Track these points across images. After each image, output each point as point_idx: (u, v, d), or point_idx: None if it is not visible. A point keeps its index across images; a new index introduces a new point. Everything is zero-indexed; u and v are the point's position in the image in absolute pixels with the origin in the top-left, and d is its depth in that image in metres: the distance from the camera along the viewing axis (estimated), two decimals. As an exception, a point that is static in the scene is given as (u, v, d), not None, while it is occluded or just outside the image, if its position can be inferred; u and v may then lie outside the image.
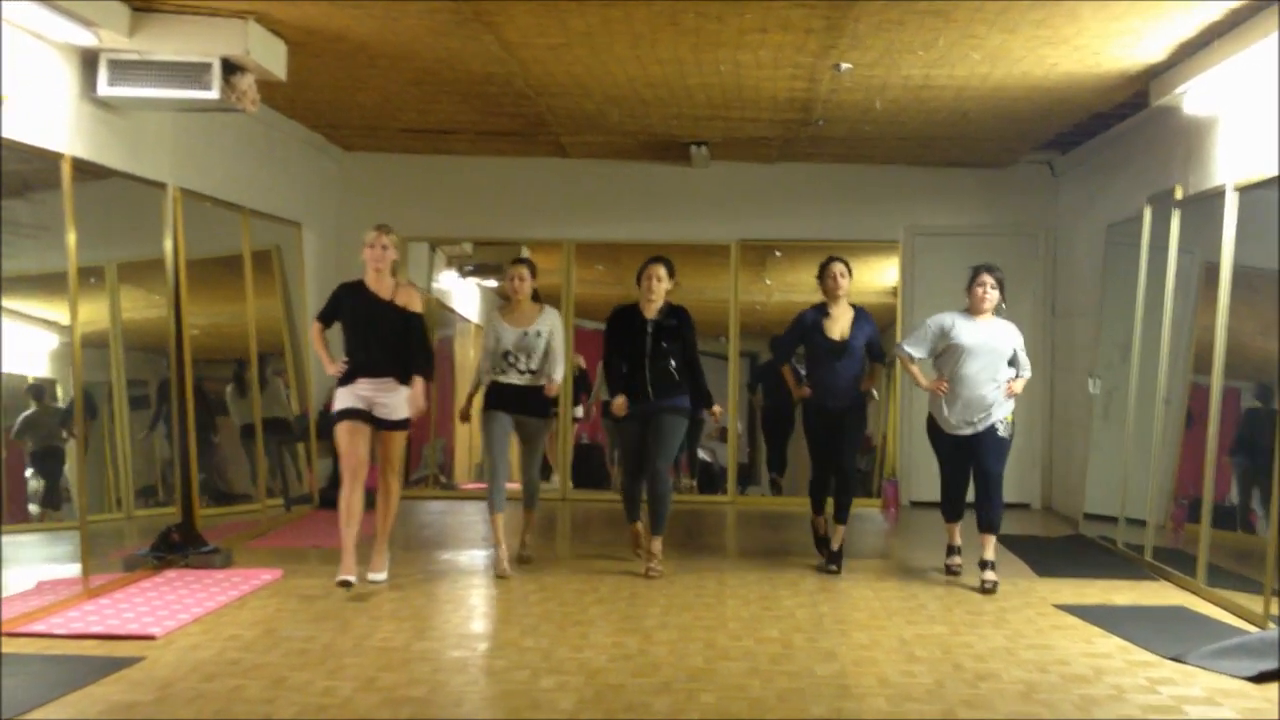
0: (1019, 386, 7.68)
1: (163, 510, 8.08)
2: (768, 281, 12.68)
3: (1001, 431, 7.60)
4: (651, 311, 7.83)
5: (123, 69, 7.14)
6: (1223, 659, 5.66)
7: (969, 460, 7.69)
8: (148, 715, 4.68)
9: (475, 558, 8.41)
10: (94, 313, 7.48)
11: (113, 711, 4.70)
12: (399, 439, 7.29)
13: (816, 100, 9.17)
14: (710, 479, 12.17)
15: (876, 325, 8.27)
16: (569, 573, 7.86)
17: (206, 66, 7.17)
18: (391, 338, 7.13)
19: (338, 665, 5.47)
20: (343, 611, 6.58)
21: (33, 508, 7.17)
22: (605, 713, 4.80)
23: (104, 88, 7.13)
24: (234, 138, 9.23)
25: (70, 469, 7.24)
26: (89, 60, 7.11)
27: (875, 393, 8.25)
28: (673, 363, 7.75)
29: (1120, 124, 9.73)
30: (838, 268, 8.07)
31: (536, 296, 8.01)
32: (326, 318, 7.35)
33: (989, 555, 7.57)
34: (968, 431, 7.60)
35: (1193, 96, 7.74)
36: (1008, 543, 9.33)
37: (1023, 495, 11.88)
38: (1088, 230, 10.78)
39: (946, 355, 7.63)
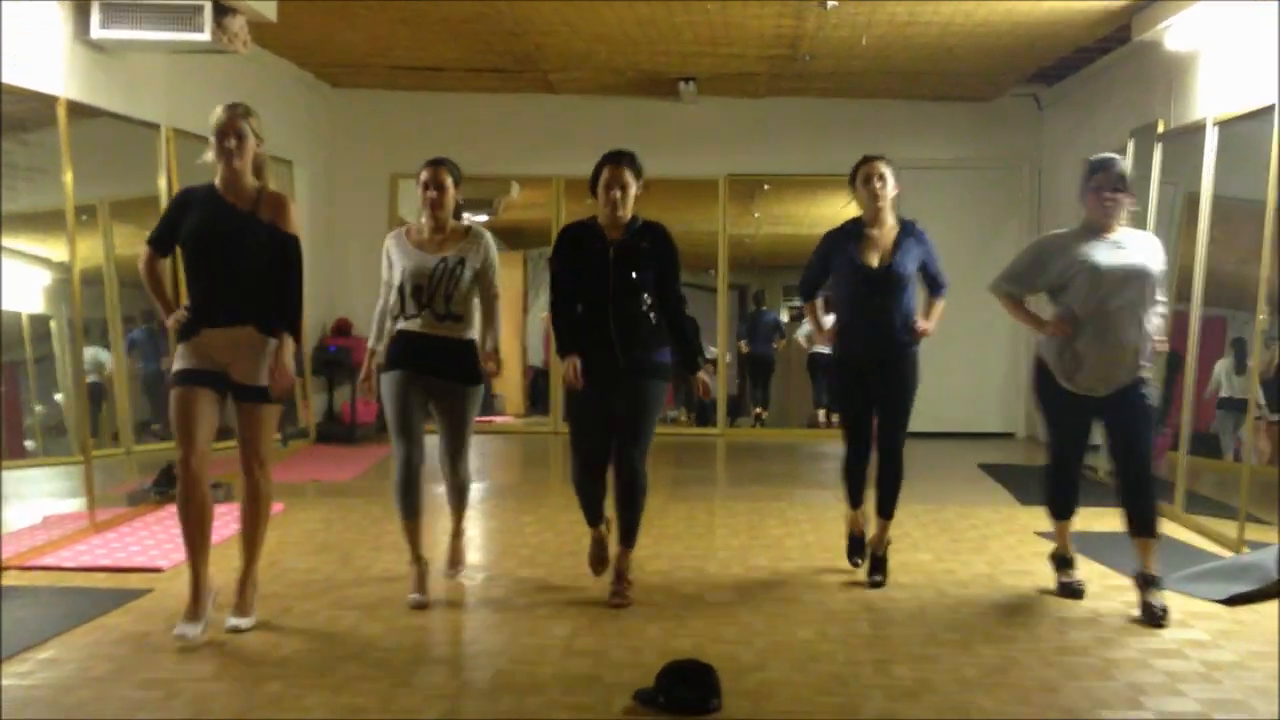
0: (1164, 342, 5.68)
1: (162, 446, 8.23)
2: (756, 215, 12.80)
3: (1148, 393, 5.50)
4: (617, 230, 5.55)
5: (115, 11, 7.19)
6: (1197, 583, 5.84)
7: (1090, 431, 5.71)
8: (161, 643, 4.84)
9: (471, 491, 8.57)
10: (87, 250, 7.58)
11: (127, 640, 4.87)
12: (266, 415, 5.01)
13: (803, 37, 9.23)
14: (703, 411, 12.34)
15: (933, 244, 6.09)
16: (563, 504, 8.03)
17: (198, 9, 7.22)
18: (252, 267, 4.87)
19: (341, 595, 5.64)
20: (344, 544, 6.74)
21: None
22: (599, 638, 4.96)
23: (97, 30, 7.18)
24: (225, 78, 9.26)
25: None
26: (82, 3, 7.15)
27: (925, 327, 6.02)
28: (646, 300, 5.51)
29: (1104, 58, 9.83)
30: (877, 167, 5.97)
31: (460, 213, 5.85)
32: (163, 242, 5.02)
33: (1150, 567, 5.42)
34: (1103, 391, 5.47)
35: (1174, 32, 7.85)
36: (991, 471, 9.55)
37: (1006, 425, 12.13)
38: (1073, 162, 10.80)
39: (1069, 289, 5.47)
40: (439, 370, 5.54)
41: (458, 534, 6.03)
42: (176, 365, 4.94)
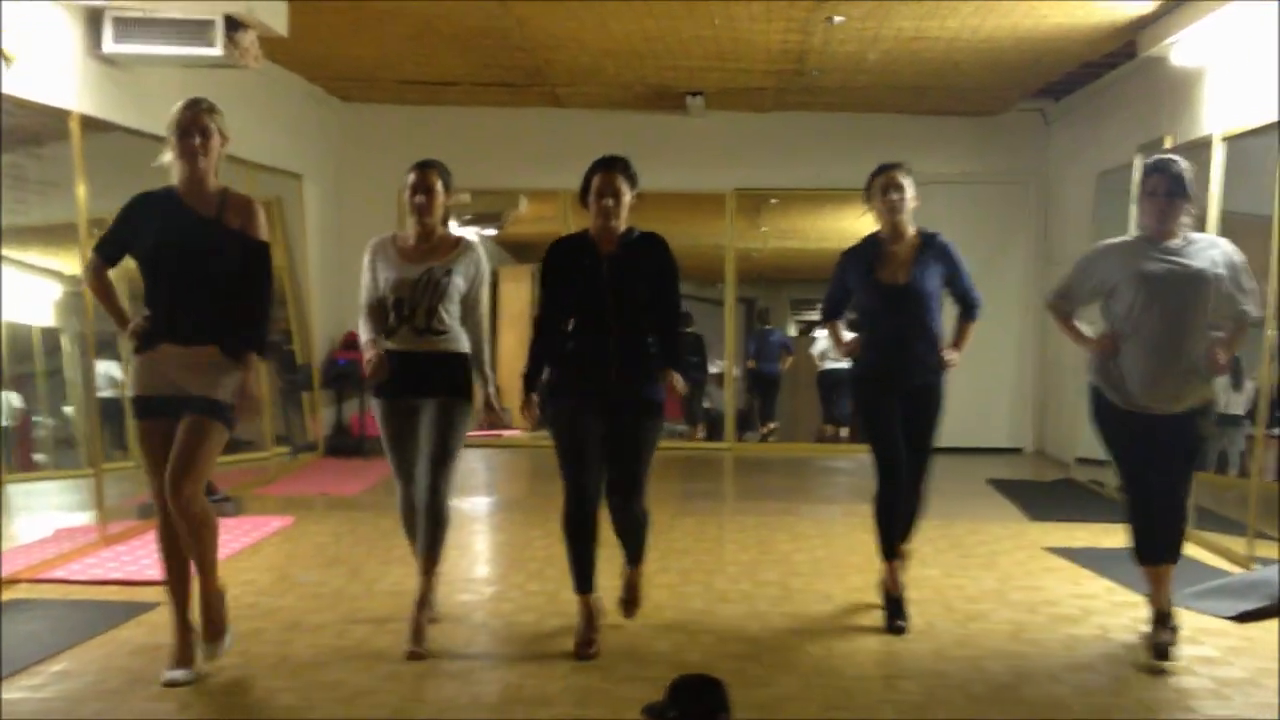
0: (1226, 355, 4.77)
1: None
2: (763, 229, 12.84)
3: (1203, 424, 5.00)
4: (610, 243, 5.03)
5: (127, 26, 7.22)
6: (1206, 599, 5.84)
7: (1159, 454, 4.89)
8: (171, 658, 4.87)
9: (478, 504, 8.60)
10: (99, 264, 7.63)
11: (140, 653, 4.88)
12: (212, 429, 4.46)
13: (810, 52, 9.27)
14: (712, 425, 12.38)
15: (960, 259, 5.53)
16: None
17: (210, 24, 7.24)
18: (216, 280, 4.44)
19: (351, 609, 5.65)
20: (353, 557, 6.76)
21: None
22: (607, 652, 4.97)
23: (109, 45, 7.21)
24: (236, 92, 9.26)
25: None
26: (94, 18, 7.18)
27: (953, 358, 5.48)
28: (644, 319, 5.01)
29: (1111, 73, 9.86)
30: (894, 177, 5.46)
31: (448, 219, 5.38)
32: (112, 251, 4.54)
33: (1165, 604, 4.99)
34: (1163, 408, 4.86)
35: (1180, 48, 7.88)
36: (1000, 487, 9.54)
37: (1015, 439, 12.12)
38: (1079, 178, 10.89)
39: (1115, 299, 4.92)
40: (422, 390, 5.12)
41: (423, 600, 5.09)
42: (135, 390, 4.56)
